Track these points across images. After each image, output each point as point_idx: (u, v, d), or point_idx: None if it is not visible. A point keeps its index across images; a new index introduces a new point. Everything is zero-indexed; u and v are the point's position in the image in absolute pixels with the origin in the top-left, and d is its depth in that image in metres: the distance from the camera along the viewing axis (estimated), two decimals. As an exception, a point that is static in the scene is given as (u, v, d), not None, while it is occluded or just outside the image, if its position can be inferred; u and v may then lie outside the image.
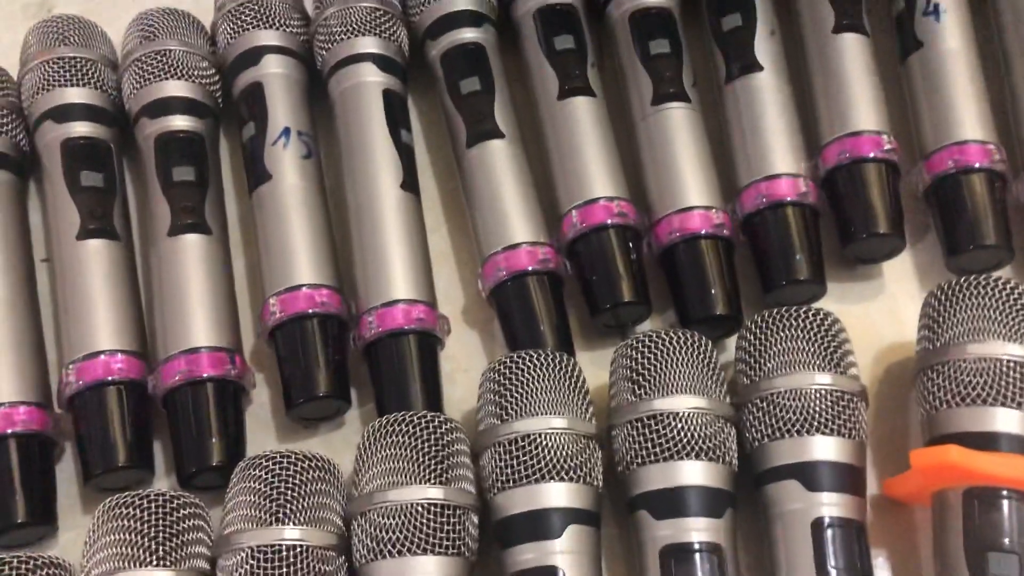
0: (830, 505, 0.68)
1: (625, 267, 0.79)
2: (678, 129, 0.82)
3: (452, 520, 0.68)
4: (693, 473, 0.68)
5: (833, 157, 0.81)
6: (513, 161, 0.82)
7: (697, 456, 0.69)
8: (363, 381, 0.80)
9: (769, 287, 0.79)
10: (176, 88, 0.85)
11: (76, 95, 0.85)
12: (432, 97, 0.89)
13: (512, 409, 0.70)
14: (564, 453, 0.69)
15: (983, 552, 0.66)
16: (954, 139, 0.80)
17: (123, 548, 0.66)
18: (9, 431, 0.74)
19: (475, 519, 0.70)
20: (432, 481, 0.68)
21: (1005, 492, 0.67)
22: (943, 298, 0.73)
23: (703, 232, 0.79)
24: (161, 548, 0.66)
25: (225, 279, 0.81)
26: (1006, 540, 0.66)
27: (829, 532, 0.68)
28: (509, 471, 0.69)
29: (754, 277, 0.80)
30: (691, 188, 0.80)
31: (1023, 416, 0.68)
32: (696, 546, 0.67)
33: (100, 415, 0.75)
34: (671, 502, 0.68)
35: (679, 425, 0.69)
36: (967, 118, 0.81)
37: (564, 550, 0.67)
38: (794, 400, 0.70)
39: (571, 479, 0.69)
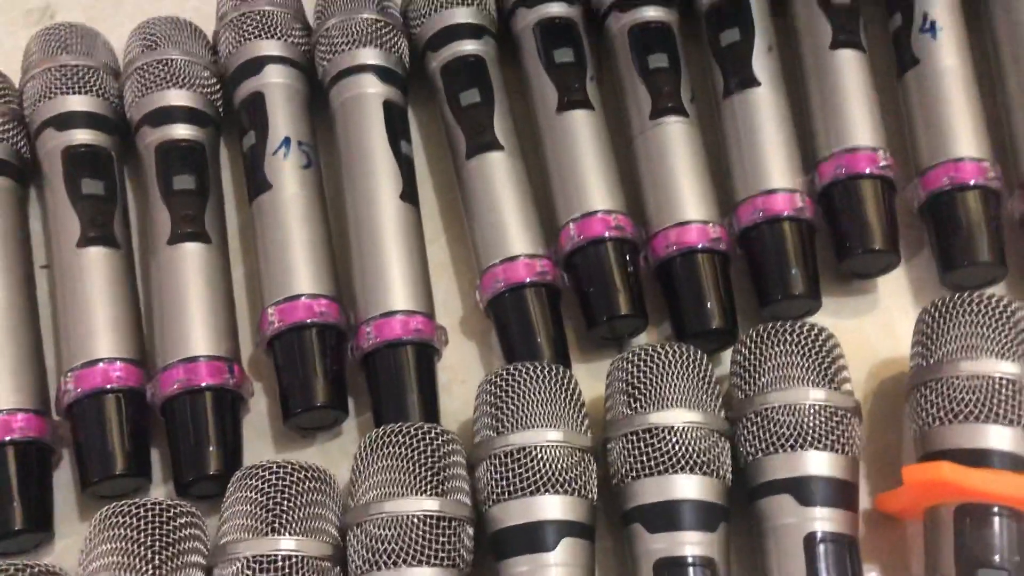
0: (823, 520, 0.69)
1: (622, 280, 0.79)
2: (676, 143, 0.83)
3: (448, 532, 0.68)
4: (687, 487, 0.69)
5: (829, 172, 0.81)
6: (512, 173, 0.83)
7: (692, 470, 0.69)
8: (360, 391, 0.80)
9: (765, 301, 0.79)
10: (177, 97, 0.85)
11: (78, 103, 0.85)
12: (432, 108, 0.90)
13: (508, 421, 0.70)
14: (559, 466, 0.69)
15: (974, 568, 0.66)
16: (950, 156, 0.81)
17: (119, 557, 0.67)
18: (7, 438, 0.75)
19: (470, 531, 0.70)
20: (428, 493, 0.68)
21: (996, 509, 0.67)
22: (937, 315, 0.73)
23: (700, 246, 0.79)
24: (157, 557, 0.67)
25: (224, 288, 0.81)
26: (997, 557, 0.67)
27: (822, 547, 0.68)
28: (504, 483, 0.69)
29: (750, 291, 0.81)
30: (688, 202, 0.81)
31: (1015, 433, 0.69)
32: (690, 560, 0.68)
33: (98, 423, 0.76)
34: (665, 516, 0.69)
35: (674, 439, 0.69)
36: (963, 135, 0.81)
37: (558, 563, 0.68)
38: (788, 415, 0.71)
39: (566, 492, 0.69)
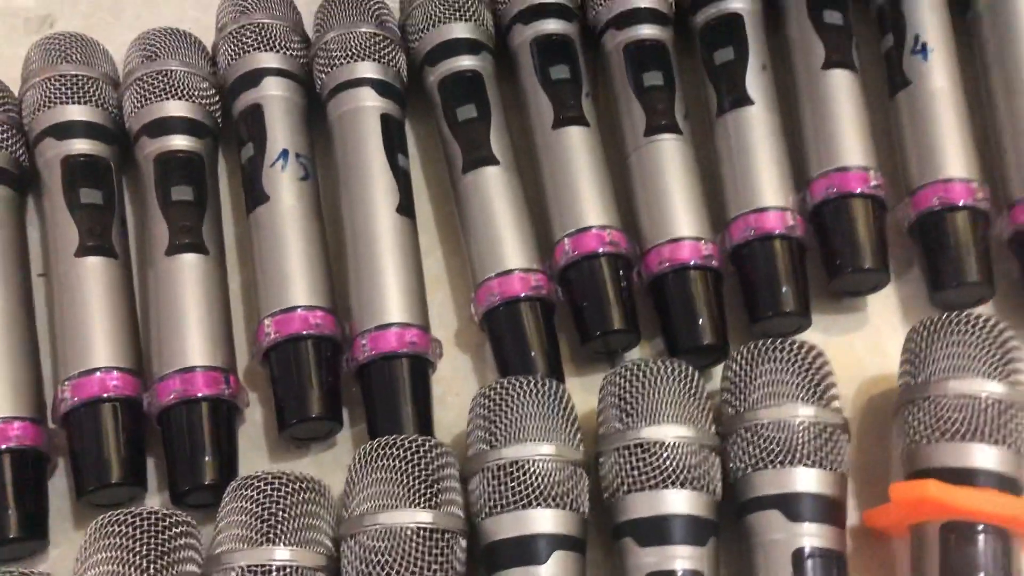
0: (811, 536, 0.70)
1: (615, 295, 0.80)
2: (669, 160, 0.84)
3: (441, 544, 0.69)
4: (678, 501, 0.70)
5: (821, 191, 0.82)
6: (508, 188, 0.84)
7: (682, 485, 0.70)
8: (354, 402, 0.81)
9: (756, 318, 0.80)
10: (176, 108, 0.85)
11: (77, 112, 0.85)
12: (429, 122, 0.90)
13: (501, 435, 0.71)
14: (551, 480, 0.70)
15: (959, 585, 0.67)
16: (940, 176, 0.82)
17: (114, 566, 0.67)
18: (3, 446, 0.75)
19: (463, 543, 0.71)
20: (422, 505, 0.69)
21: (981, 527, 0.68)
22: (925, 333, 0.74)
23: (692, 263, 0.80)
24: (152, 566, 0.67)
25: (221, 299, 0.82)
26: (981, 574, 0.68)
27: (810, 562, 0.69)
28: (497, 496, 0.70)
29: (741, 307, 0.81)
30: (681, 219, 0.82)
31: (1001, 452, 0.70)
32: (680, 574, 0.69)
33: (95, 432, 0.76)
34: (656, 530, 0.69)
35: (665, 454, 0.70)
36: (952, 156, 0.82)
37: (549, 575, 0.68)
38: (778, 432, 0.72)
39: (558, 505, 0.70)
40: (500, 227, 0.82)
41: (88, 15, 1.00)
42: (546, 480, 0.70)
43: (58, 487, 0.79)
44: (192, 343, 0.78)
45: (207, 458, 0.75)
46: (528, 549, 0.69)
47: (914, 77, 0.85)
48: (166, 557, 0.68)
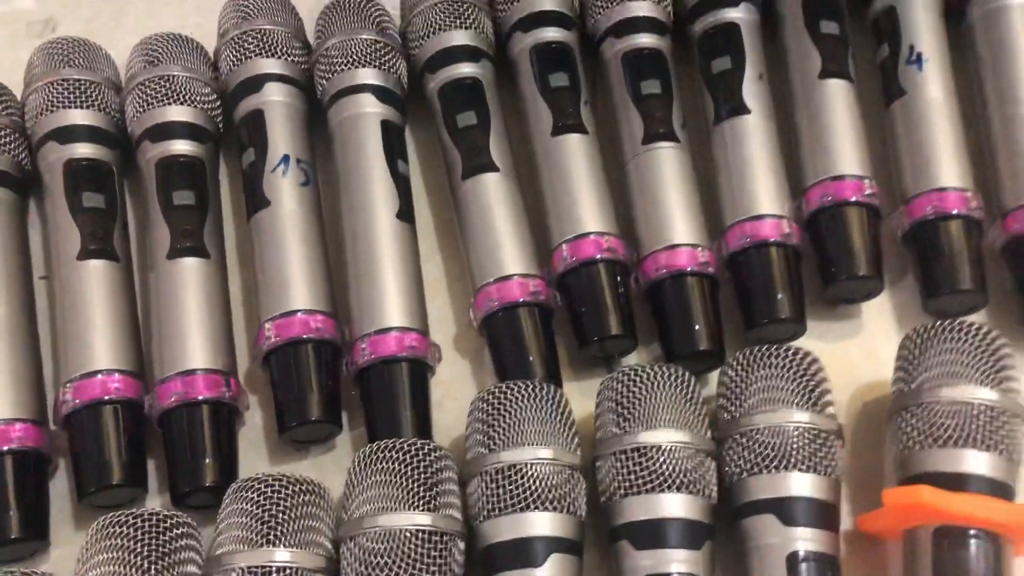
0: (805, 540, 0.70)
1: (613, 301, 0.81)
2: (667, 168, 0.84)
3: (439, 546, 0.69)
4: (674, 505, 0.70)
5: (816, 199, 0.83)
6: (507, 194, 0.84)
7: (678, 489, 0.71)
8: (353, 406, 0.81)
9: (751, 324, 0.81)
10: (178, 113, 0.86)
11: (80, 117, 0.86)
12: (428, 129, 0.91)
13: (500, 439, 0.72)
14: (549, 483, 0.71)
15: (951, 589, 0.68)
16: (934, 186, 0.82)
17: (116, 566, 0.68)
18: (5, 447, 0.75)
19: (461, 545, 0.71)
20: (420, 508, 0.70)
21: (973, 532, 0.69)
22: (919, 341, 0.75)
23: (689, 269, 0.81)
24: (153, 567, 0.68)
25: (222, 303, 0.82)
26: (973, 578, 0.68)
27: (804, 566, 0.70)
28: (495, 499, 0.71)
29: (737, 314, 0.82)
30: (678, 226, 0.82)
31: (992, 458, 0.70)
32: (675, 577, 0.69)
33: (96, 433, 0.76)
34: (652, 533, 0.70)
35: (662, 458, 0.71)
36: (947, 166, 0.83)
37: None
38: (773, 437, 0.72)
39: (555, 509, 0.70)
40: (499, 233, 0.83)
41: (90, 19, 1.00)
42: (544, 483, 0.70)
43: (59, 488, 0.80)
44: (193, 346, 0.78)
45: (208, 460, 0.76)
46: (525, 552, 0.69)
47: (909, 87, 0.86)
48: (167, 558, 0.68)
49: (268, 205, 0.83)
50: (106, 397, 0.77)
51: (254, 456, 0.81)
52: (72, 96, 0.86)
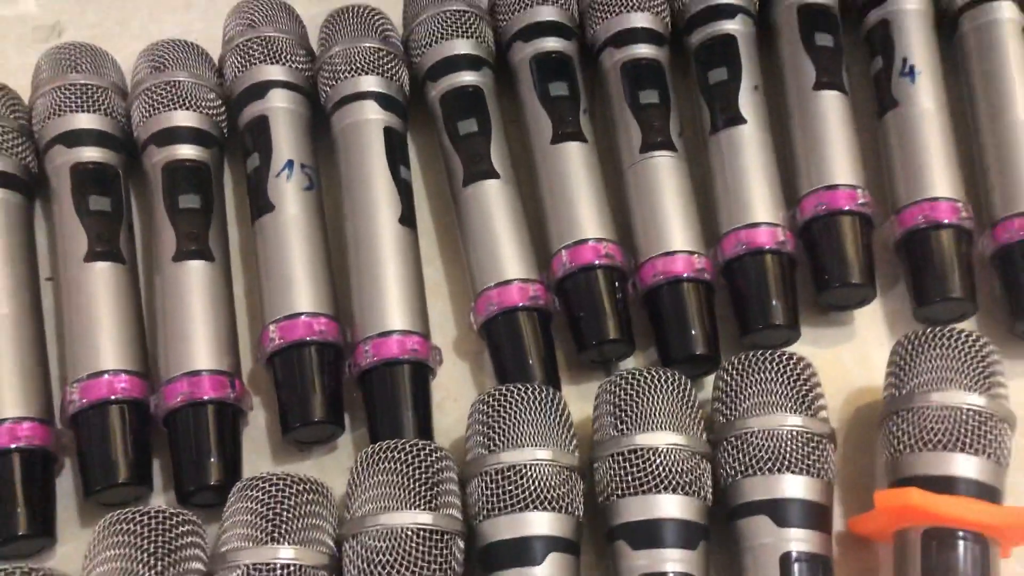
0: (798, 540, 0.72)
1: (611, 306, 0.82)
2: (664, 176, 0.86)
3: (440, 545, 0.70)
4: (670, 506, 0.72)
5: (810, 208, 0.84)
6: (507, 201, 0.86)
7: (674, 490, 0.72)
8: (355, 407, 0.82)
9: (746, 330, 0.82)
10: (184, 118, 0.87)
11: (86, 121, 0.87)
12: (429, 136, 0.92)
13: (499, 440, 0.73)
14: (548, 484, 0.72)
15: (940, 589, 0.69)
16: (925, 195, 0.84)
17: (123, 562, 0.68)
18: (13, 445, 0.76)
19: (461, 544, 0.72)
20: (422, 507, 0.71)
21: (961, 533, 0.70)
22: (910, 347, 0.76)
23: (685, 275, 0.82)
24: (160, 563, 0.69)
25: (227, 305, 0.83)
26: (960, 578, 0.70)
27: (797, 566, 0.71)
28: (495, 499, 0.72)
29: (732, 320, 0.83)
30: (675, 233, 0.83)
31: (980, 462, 0.72)
32: (671, 576, 0.71)
33: (103, 432, 0.77)
34: (648, 533, 0.71)
35: (658, 460, 0.72)
36: (938, 176, 0.84)
37: None
38: (767, 440, 0.73)
39: (553, 509, 0.72)
40: (499, 238, 0.84)
41: (95, 25, 1.01)
42: (542, 484, 0.72)
43: (64, 487, 0.81)
44: (199, 347, 0.79)
45: (212, 459, 0.77)
46: (524, 550, 0.71)
47: (902, 99, 0.87)
48: (173, 555, 0.69)
49: (272, 209, 0.84)
50: (112, 397, 0.78)
51: (257, 457, 0.82)
52: (79, 101, 0.87)
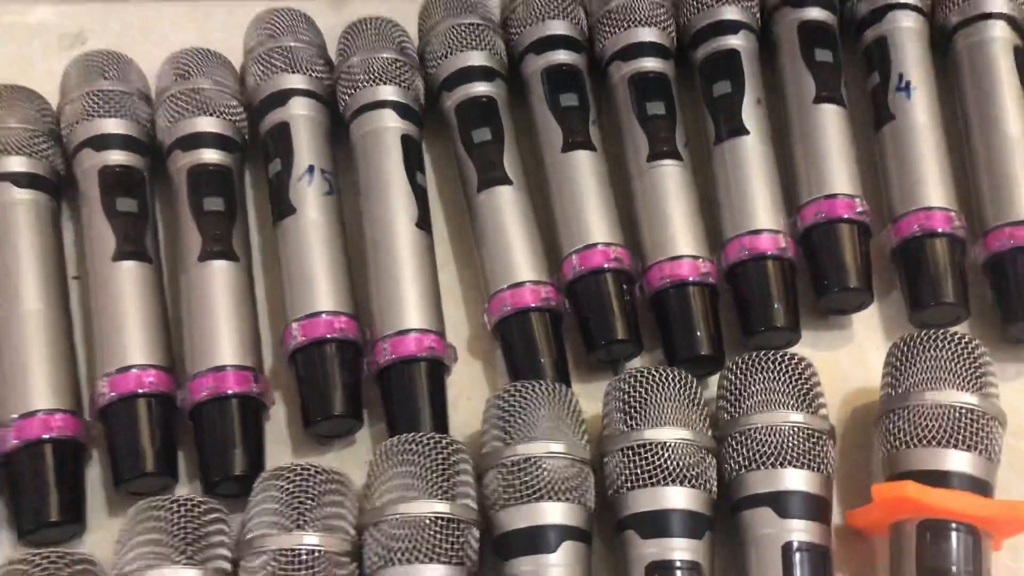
0: (799, 531, 0.74)
1: (619, 308, 0.84)
2: (670, 184, 0.88)
3: (456, 533, 0.73)
4: (677, 498, 0.74)
5: (810, 216, 0.87)
6: (519, 206, 0.88)
7: (681, 483, 0.75)
8: (372, 404, 0.85)
9: (749, 332, 0.85)
10: (208, 124, 0.89)
11: (113, 125, 0.89)
12: (443, 144, 0.95)
13: (516, 433, 0.76)
14: (562, 475, 0.74)
15: (934, 578, 0.72)
16: (920, 205, 0.86)
17: (155, 547, 0.71)
18: (46, 436, 0.78)
19: (476, 533, 0.75)
20: (439, 497, 0.73)
21: (954, 525, 0.73)
22: (906, 348, 0.79)
23: (691, 279, 0.85)
24: (190, 548, 0.71)
25: (249, 303, 0.86)
26: (954, 567, 0.72)
27: (798, 555, 0.73)
28: (512, 490, 0.74)
29: (736, 322, 0.86)
30: (681, 238, 0.86)
31: (973, 457, 0.75)
32: (678, 564, 0.73)
33: (132, 425, 0.80)
34: (656, 523, 0.74)
35: (666, 454, 0.75)
36: (933, 187, 0.87)
37: (559, 564, 0.73)
38: (769, 436, 0.76)
39: (567, 499, 0.74)
40: (512, 242, 0.87)
41: (119, 33, 1.03)
42: (557, 476, 0.74)
43: (91, 478, 0.83)
44: (224, 344, 0.82)
45: (237, 451, 0.79)
46: (540, 539, 0.73)
47: (898, 112, 0.90)
48: (201, 540, 0.72)
49: (294, 212, 0.87)
50: (140, 390, 0.80)
51: (277, 450, 0.84)
52: (107, 106, 0.89)
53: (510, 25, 0.96)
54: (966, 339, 0.78)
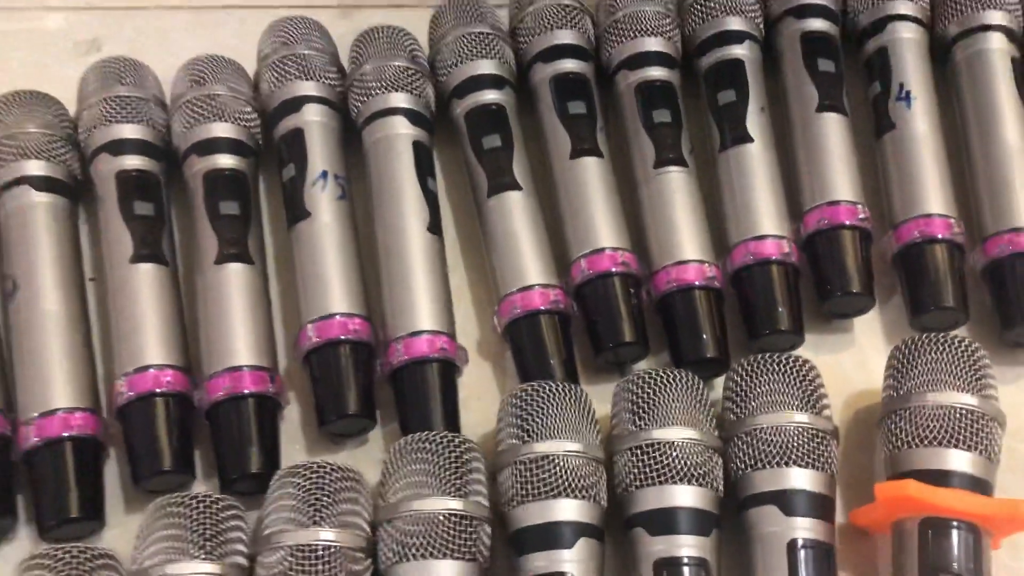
0: (804, 529, 0.76)
1: (626, 311, 0.86)
2: (676, 191, 0.90)
3: (469, 530, 0.75)
4: (684, 496, 0.76)
5: (813, 222, 0.89)
6: (529, 211, 0.90)
7: (688, 481, 0.76)
8: (384, 404, 0.86)
9: (754, 335, 0.87)
10: (223, 130, 0.91)
11: (130, 131, 0.90)
12: (452, 150, 0.96)
13: (533, 432, 0.77)
14: (577, 473, 0.76)
15: (935, 574, 0.74)
16: (920, 212, 0.88)
17: (174, 542, 0.73)
18: (66, 434, 0.80)
19: (488, 529, 0.77)
20: (452, 494, 0.75)
21: (955, 523, 0.74)
22: (907, 352, 0.81)
23: (696, 283, 0.86)
24: (208, 543, 0.73)
25: (265, 305, 0.87)
26: (955, 564, 0.74)
27: (802, 552, 0.75)
28: (528, 487, 0.76)
29: (741, 325, 0.88)
30: (687, 243, 0.88)
31: (973, 457, 0.76)
32: (685, 560, 0.74)
33: (150, 423, 0.81)
34: (664, 521, 0.75)
35: (674, 453, 0.76)
36: (932, 194, 0.89)
37: (574, 559, 0.74)
38: (774, 436, 0.78)
39: (582, 497, 0.76)
40: (522, 247, 0.88)
41: (132, 40, 1.04)
42: (572, 474, 0.76)
43: (109, 474, 0.84)
44: (240, 345, 0.83)
45: (254, 449, 0.81)
46: (556, 535, 0.75)
47: (898, 121, 0.92)
48: (220, 536, 0.74)
49: (308, 216, 0.88)
50: (158, 390, 0.82)
51: (291, 449, 0.86)
52: (124, 112, 0.91)
53: (519, 34, 0.98)
54: (966, 342, 0.80)
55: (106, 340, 0.87)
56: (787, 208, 0.91)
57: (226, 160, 0.91)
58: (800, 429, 0.78)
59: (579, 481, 0.76)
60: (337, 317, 0.85)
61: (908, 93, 0.93)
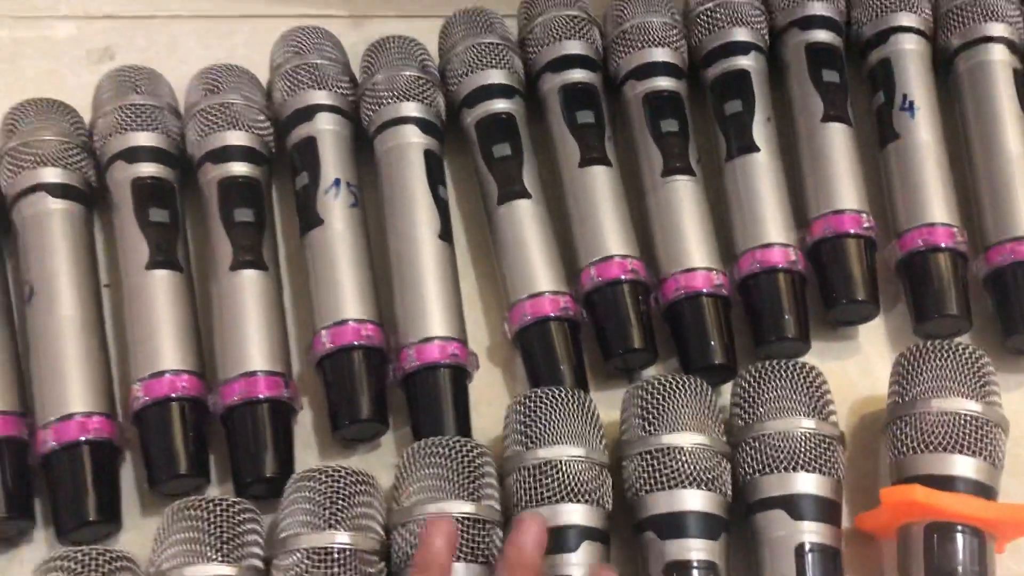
0: (811, 532, 0.76)
1: (635, 318, 0.87)
2: (684, 199, 0.91)
3: (481, 533, 0.76)
4: (694, 500, 0.77)
5: (819, 231, 0.90)
6: (538, 219, 0.91)
7: (698, 486, 0.77)
8: (395, 409, 0.87)
9: (760, 342, 0.88)
10: (237, 138, 0.92)
11: (145, 139, 0.91)
12: (463, 158, 0.97)
13: (537, 438, 0.78)
14: (581, 478, 0.77)
15: (940, 578, 0.75)
16: (924, 221, 0.89)
17: (191, 545, 0.74)
18: (83, 438, 0.81)
19: (499, 533, 0.78)
20: (464, 498, 0.76)
21: (960, 527, 0.75)
22: (911, 359, 0.82)
23: (704, 291, 0.87)
24: (225, 546, 0.74)
25: (279, 311, 0.88)
26: (960, 568, 0.75)
27: (810, 556, 0.76)
28: (533, 492, 0.77)
29: (748, 332, 0.89)
30: (694, 251, 0.89)
31: (977, 463, 0.78)
32: (695, 563, 0.75)
33: (166, 427, 0.82)
34: (674, 525, 0.76)
35: (683, 458, 0.78)
36: (936, 203, 0.90)
37: (579, 563, 0.75)
38: (782, 441, 0.79)
39: (586, 501, 0.77)
40: (532, 254, 0.89)
41: (145, 48, 1.05)
42: (576, 479, 0.77)
43: (124, 478, 0.85)
44: (254, 350, 0.84)
45: (268, 453, 0.81)
46: (560, 539, 0.76)
47: (902, 131, 0.93)
48: (236, 539, 0.74)
49: (321, 224, 0.89)
50: (174, 394, 0.82)
51: (305, 453, 0.86)
52: (139, 120, 0.92)
53: (528, 44, 0.99)
54: (970, 349, 0.81)
55: (122, 345, 0.88)
56: (793, 217, 0.92)
57: (240, 168, 0.92)
58: (807, 435, 0.79)
59: (582, 486, 0.77)
60: (350, 323, 0.86)
61: (911, 104, 0.94)
